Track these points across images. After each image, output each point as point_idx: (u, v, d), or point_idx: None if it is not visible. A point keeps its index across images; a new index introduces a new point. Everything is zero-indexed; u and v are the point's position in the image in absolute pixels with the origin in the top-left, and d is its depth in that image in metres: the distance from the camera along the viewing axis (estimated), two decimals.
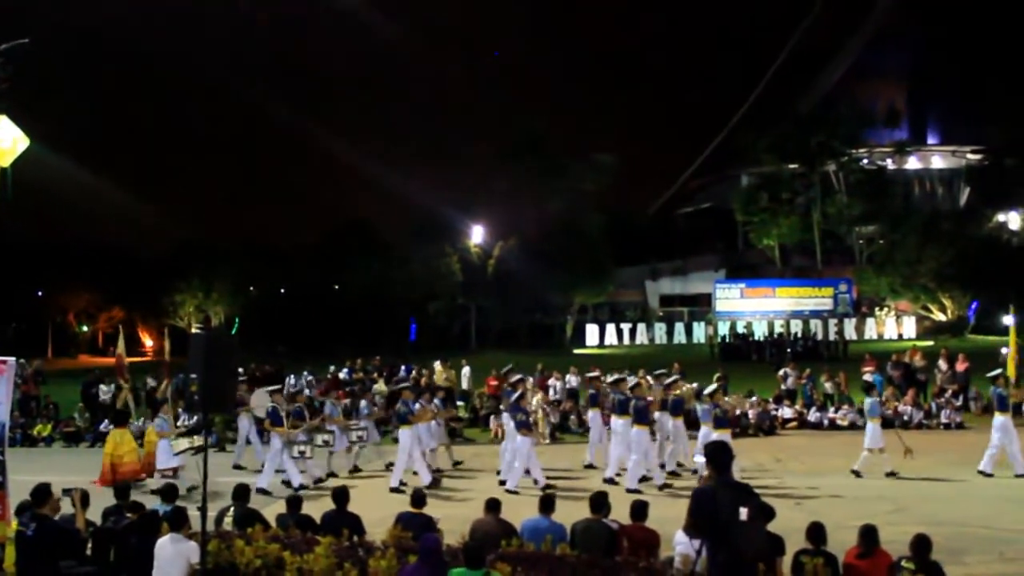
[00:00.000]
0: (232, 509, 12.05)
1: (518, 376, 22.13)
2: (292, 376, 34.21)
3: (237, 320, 69.66)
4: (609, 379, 23.17)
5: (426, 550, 8.98)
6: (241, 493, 12.34)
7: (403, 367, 35.75)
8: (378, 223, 71.99)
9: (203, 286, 67.96)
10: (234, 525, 11.53)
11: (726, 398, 20.64)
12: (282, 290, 74.24)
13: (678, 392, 20.97)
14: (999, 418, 19.32)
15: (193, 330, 50.07)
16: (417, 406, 20.45)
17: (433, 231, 63.99)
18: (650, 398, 20.32)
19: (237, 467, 22.35)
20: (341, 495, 12.11)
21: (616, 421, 19.40)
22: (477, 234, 65.66)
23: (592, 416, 22.50)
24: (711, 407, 19.09)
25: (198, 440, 21.80)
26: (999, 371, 21.00)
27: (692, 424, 21.48)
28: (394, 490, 18.53)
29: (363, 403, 20.98)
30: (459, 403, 31.58)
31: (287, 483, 19.59)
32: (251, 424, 23.27)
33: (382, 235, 70.80)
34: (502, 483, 19.08)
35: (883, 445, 19.22)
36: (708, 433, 18.51)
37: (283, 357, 47.21)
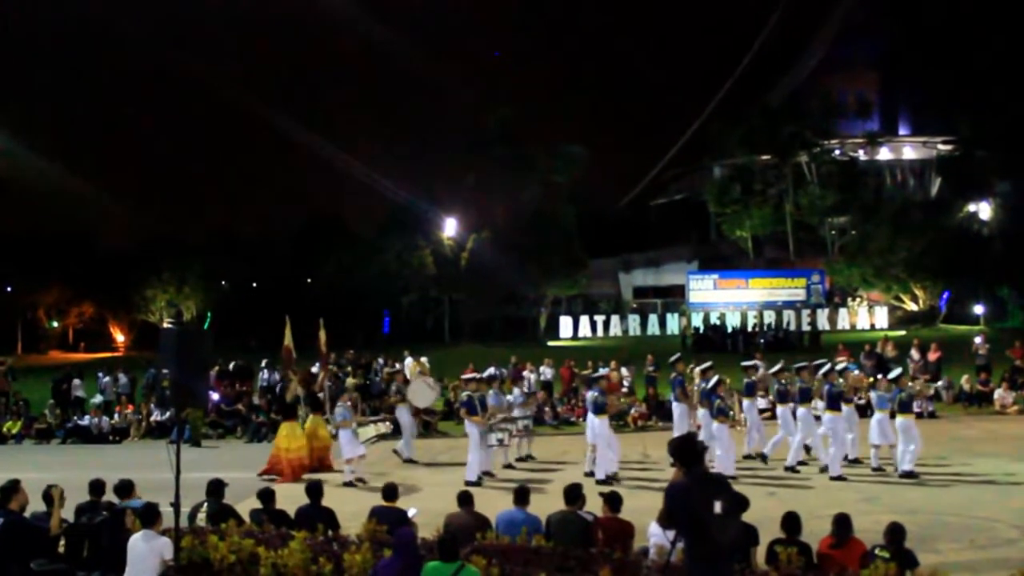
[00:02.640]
0: (206, 505, 11.97)
1: (708, 364, 21.92)
2: (266, 371, 34.05)
3: (209, 315, 69.34)
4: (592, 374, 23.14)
5: (400, 544, 8.93)
6: (214, 489, 12.25)
7: (379, 361, 35.65)
8: (350, 216, 71.96)
9: (174, 280, 67.58)
10: (208, 521, 11.45)
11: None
12: (254, 284, 73.92)
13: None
14: None
15: (164, 325, 49.79)
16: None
17: (406, 224, 63.89)
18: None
19: (410, 461, 21.80)
20: (315, 490, 12.06)
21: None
22: (450, 227, 65.59)
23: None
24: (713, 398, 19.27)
25: (383, 428, 21.76)
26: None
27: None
28: (469, 483, 17.87)
29: (339, 409, 20.68)
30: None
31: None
32: (411, 416, 23.01)
33: (355, 228, 70.71)
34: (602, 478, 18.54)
35: (894, 441, 19.02)
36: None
37: (255, 351, 46.96)
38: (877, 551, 9.16)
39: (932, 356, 32.00)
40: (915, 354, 32.17)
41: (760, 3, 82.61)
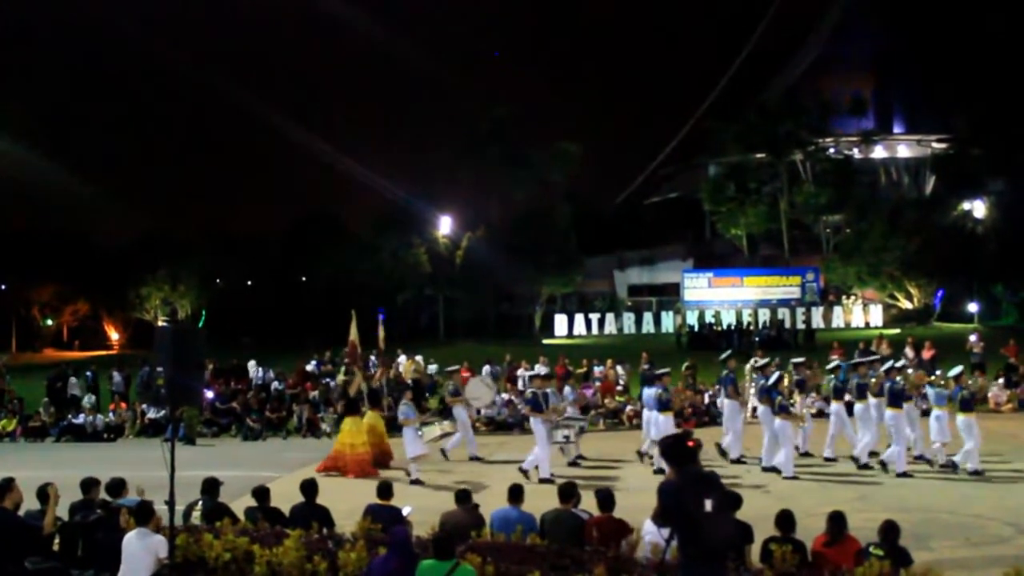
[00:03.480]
0: (200, 503, 11.97)
1: (767, 360, 21.97)
2: (260, 369, 34.07)
3: (204, 313, 69.26)
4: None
5: (395, 542, 8.94)
6: (209, 487, 12.25)
7: (371, 359, 35.68)
8: (346, 214, 71.85)
9: (169, 278, 67.46)
10: (202, 519, 11.46)
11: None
12: (248, 282, 73.85)
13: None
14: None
15: (159, 323, 49.72)
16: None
17: (401, 222, 63.84)
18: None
19: (475, 458, 21.68)
20: (310, 487, 12.06)
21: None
22: (445, 225, 65.55)
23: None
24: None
25: (449, 426, 21.75)
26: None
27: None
28: (544, 481, 18.09)
29: (403, 407, 20.58)
30: (427, 395, 31.53)
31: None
32: (467, 415, 22.92)
33: (350, 226, 70.64)
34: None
35: (948, 439, 18.96)
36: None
37: (249, 349, 46.99)
38: (871, 549, 9.19)
39: (927, 354, 32.05)
40: (909, 352, 32.22)
41: (755, 1, 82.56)
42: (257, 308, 66.52)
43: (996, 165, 64.39)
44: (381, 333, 23.60)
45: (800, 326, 56.39)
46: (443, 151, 72.72)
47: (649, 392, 20.21)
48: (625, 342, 53.18)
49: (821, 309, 59.51)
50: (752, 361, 31.61)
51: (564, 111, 79.51)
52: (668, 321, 60.24)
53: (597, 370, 32.62)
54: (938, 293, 60.13)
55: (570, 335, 61.07)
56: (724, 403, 21.03)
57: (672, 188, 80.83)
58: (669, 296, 65.34)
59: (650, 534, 9.60)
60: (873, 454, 19.22)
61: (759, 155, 67.54)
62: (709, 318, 57.75)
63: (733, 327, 55.49)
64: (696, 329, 56.05)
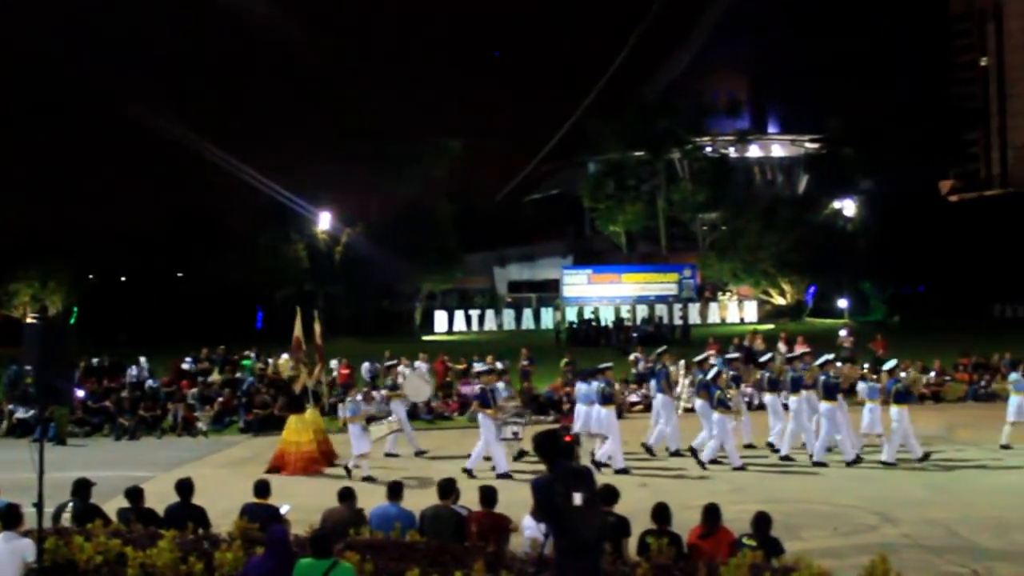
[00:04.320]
0: (71, 505, 11.67)
1: (705, 355, 22.02)
2: (133, 367, 33.33)
3: (75, 310, 67.48)
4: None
5: (272, 541, 8.83)
6: (80, 488, 11.94)
7: (253, 355, 35.21)
8: (224, 211, 70.69)
9: (40, 275, 65.55)
10: (73, 521, 11.17)
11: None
12: (123, 278, 72.19)
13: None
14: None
15: (28, 320, 48.29)
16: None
17: (280, 218, 63.04)
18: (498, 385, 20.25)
19: (420, 453, 21.39)
20: (185, 487, 11.84)
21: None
22: (324, 221, 64.87)
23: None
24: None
25: (395, 424, 21.22)
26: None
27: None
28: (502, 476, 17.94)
29: (349, 403, 20.28)
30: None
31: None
32: (404, 410, 22.49)
33: (229, 223, 69.51)
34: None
35: (880, 430, 19.53)
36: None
37: (125, 347, 45.93)
38: (744, 540, 9.36)
39: (799, 349, 32.68)
40: (782, 347, 32.85)
41: (635, 2, 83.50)
42: (133, 305, 65.05)
43: (866, 165, 66.21)
44: (318, 328, 23.24)
45: (677, 322, 57.15)
46: (324, 147, 72.04)
47: (585, 387, 20.25)
48: (505, 338, 53.29)
49: (697, 305, 60.47)
50: (631, 357, 32.06)
51: (447, 108, 79.37)
52: (548, 317, 60.59)
53: (477, 366, 32.65)
54: (810, 290, 61.61)
55: (450, 331, 61.02)
56: (657, 397, 21.16)
57: (553, 185, 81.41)
58: (549, 292, 65.72)
59: (529, 529, 9.65)
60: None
61: (638, 153, 68.36)
62: (588, 314, 58.21)
63: (612, 323, 55.98)
64: (575, 325, 56.42)
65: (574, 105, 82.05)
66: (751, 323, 56.58)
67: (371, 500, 11.61)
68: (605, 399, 19.13)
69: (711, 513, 9.98)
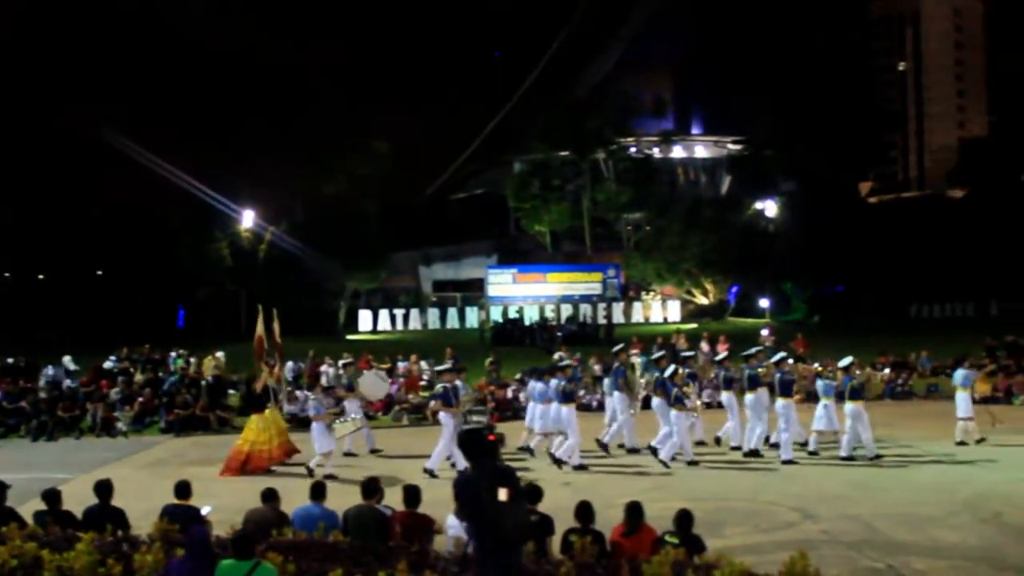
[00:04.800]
0: None
1: (661, 353, 22.13)
2: (50, 367, 32.75)
3: None
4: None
5: (193, 542, 8.73)
6: None
7: (172, 355, 34.81)
8: (145, 208, 69.63)
9: None
10: None
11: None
12: (40, 276, 71.02)
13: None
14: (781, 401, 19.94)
15: None
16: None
17: (202, 217, 62.29)
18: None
19: (375, 451, 21.11)
20: (104, 489, 11.65)
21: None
22: (248, 219, 64.18)
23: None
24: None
25: (360, 422, 20.87)
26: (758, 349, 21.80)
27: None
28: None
29: (312, 402, 20.02)
30: (230, 392, 30.90)
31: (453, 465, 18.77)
32: (360, 409, 22.04)
33: (148, 221, 68.54)
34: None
35: (836, 427, 19.75)
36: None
37: (43, 346, 45.15)
38: (667, 537, 9.43)
39: (721, 348, 33.03)
40: (704, 346, 33.21)
41: (562, 2, 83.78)
42: (52, 305, 64.00)
43: (787, 167, 67.13)
44: (276, 327, 22.96)
45: (601, 321, 57.43)
46: (248, 146, 71.30)
47: (541, 385, 20.26)
48: (429, 337, 53.24)
49: (621, 304, 60.83)
50: (556, 356, 32.15)
51: (373, 106, 78.93)
52: (472, 316, 60.58)
53: (401, 365, 32.61)
54: (732, 289, 62.28)
55: (374, 331, 60.77)
56: (614, 395, 21.21)
57: (478, 185, 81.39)
58: (473, 292, 65.70)
59: (453, 528, 9.65)
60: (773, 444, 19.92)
61: (563, 153, 68.55)
62: (513, 313, 58.29)
63: (536, 322, 56.10)
64: (500, 324, 56.47)
65: (501, 104, 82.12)
66: (674, 323, 57.08)
67: (341, 500, 11.48)
68: (566, 396, 19.26)
69: (634, 511, 10.03)
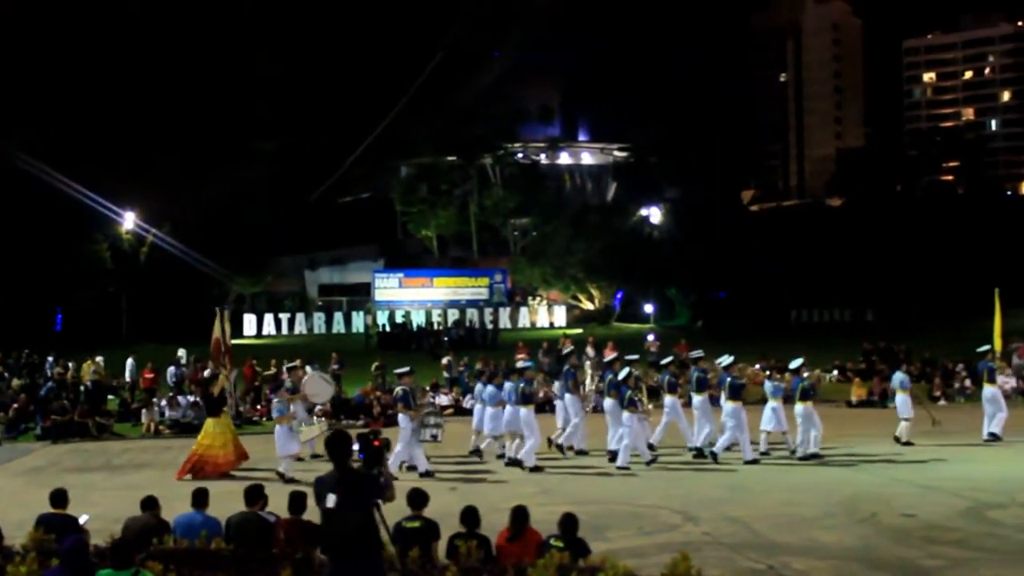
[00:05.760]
0: None
1: (614, 356, 22.06)
2: None
3: None
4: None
5: (69, 552, 8.52)
6: None
7: (49, 360, 33.99)
8: (20, 208, 67.74)
9: None
10: None
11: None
12: None
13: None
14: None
15: None
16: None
17: (81, 218, 60.84)
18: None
19: (316, 456, 20.28)
20: None
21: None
22: (128, 220, 62.85)
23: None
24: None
25: (324, 425, 20.27)
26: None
27: None
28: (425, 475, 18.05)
29: (276, 404, 19.69)
30: (110, 397, 30.30)
31: (412, 467, 18.68)
32: (304, 412, 21.37)
33: (24, 220, 66.69)
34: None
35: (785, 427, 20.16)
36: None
37: None
38: (552, 541, 9.46)
39: (608, 353, 33.29)
40: (590, 351, 33.46)
41: (452, 4, 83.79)
42: None
43: (671, 174, 68.15)
44: (227, 329, 22.42)
45: (488, 326, 57.56)
46: (130, 146, 69.80)
47: (493, 388, 20.31)
48: (315, 342, 52.78)
49: (508, 309, 61.00)
50: (444, 361, 32.20)
51: (257, 108, 77.94)
52: (359, 321, 60.14)
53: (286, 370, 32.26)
54: (618, 295, 62.92)
55: (259, 335, 59.96)
56: (566, 397, 21.22)
57: (365, 188, 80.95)
58: (360, 296, 65.24)
59: None
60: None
61: (451, 158, 68.62)
62: (400, 318, 58.12)
63: (423, 327, 55.98)
64: (386, 329, 56.24)
65: (389, 108, 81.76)
66: (560, 327, 57.38)
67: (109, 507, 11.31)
68: (525, 399, 19.37)
69: (518, 515, 10.06)
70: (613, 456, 19.45)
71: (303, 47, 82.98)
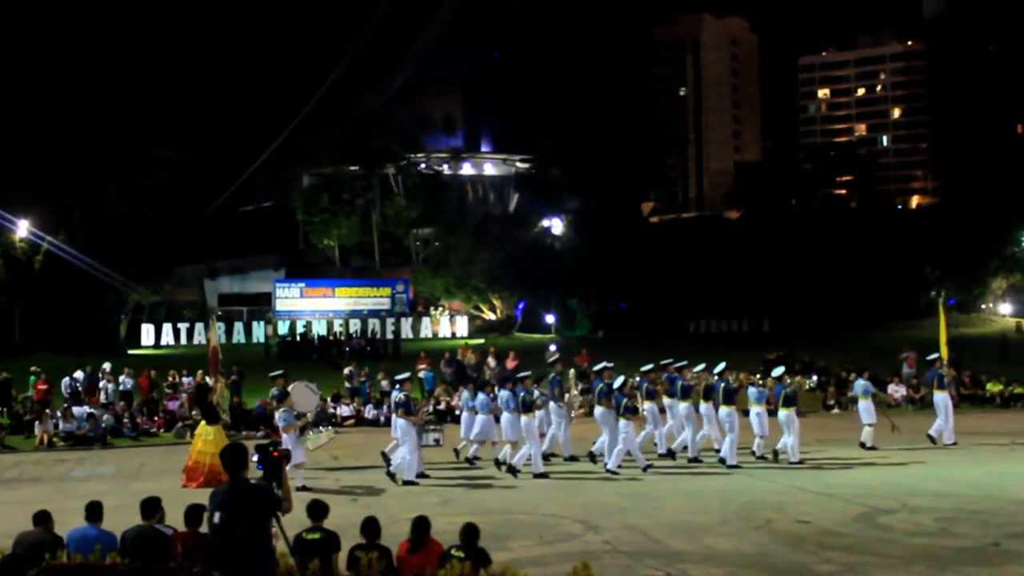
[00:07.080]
0: None
1: (607, 364, 21.62)
2: None
3: None
4: None
5: None
6: None
7: None
8: None
9: None
10: None
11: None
12: None
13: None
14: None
15: None
16: None
17: None
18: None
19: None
20: None
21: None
22: (22, 228, 61.42)
23: None
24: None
25: (331, 433, 19.73)
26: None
27: None
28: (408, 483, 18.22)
29: (282, 413, 19.31)
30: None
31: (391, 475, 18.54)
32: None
33: None
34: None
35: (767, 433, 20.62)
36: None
37: None
38: (453, 551, 9.53)
39: (510, 364, 33.45)
40: (491, 361, 33.62)
41: (355, 14, 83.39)
42: None
43: (573, 185, 68.69)
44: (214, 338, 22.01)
45: (390, 336, 57.46)
46: (23, 152, 68.25)
47: (483, 396, 20.52)
48: None
49: (410, 319, 60.94)
50: (345, 371, 32.03)
51: (159, 114, 76.74)
52: (259, 331, 59.59)
53: (186, 381, 31.82)
54: (519, 305, 63.18)
55: (158, 345, 59.12)
56: (550, 405, 21.23)
57: (266, 197, 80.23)
58: (261, 306, 64.63)
59: None
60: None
61: (353, 167, 68.38)
62: (301, 328, 57.72)
63: (324, 337, 55.69)
64: (287, 339, 55.82)
65: (290, 116, 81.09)
66: (462, 337, 57.48)
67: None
68: (526, 407, 19.51)
69: (419, 526, 10.10)
70: (593, 456, 20.21)
71: (206, 53, 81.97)
